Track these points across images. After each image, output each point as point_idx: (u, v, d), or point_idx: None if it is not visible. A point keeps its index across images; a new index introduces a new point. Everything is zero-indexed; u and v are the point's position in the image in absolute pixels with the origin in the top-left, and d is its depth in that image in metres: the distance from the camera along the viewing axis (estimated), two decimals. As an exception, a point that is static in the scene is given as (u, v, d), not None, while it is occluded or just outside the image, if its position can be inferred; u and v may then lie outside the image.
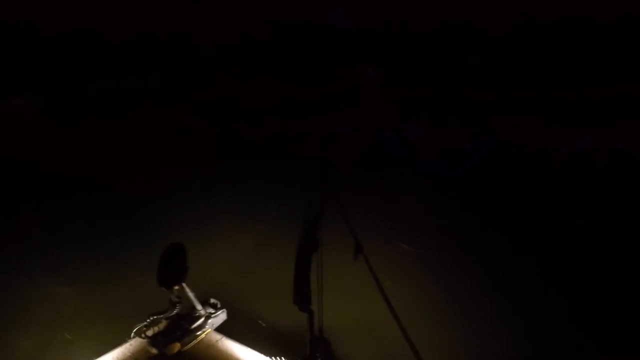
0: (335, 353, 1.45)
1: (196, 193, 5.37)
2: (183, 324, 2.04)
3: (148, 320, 1.96)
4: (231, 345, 2.11)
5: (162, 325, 2.01)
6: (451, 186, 5.75)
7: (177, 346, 1.97)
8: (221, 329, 2.17)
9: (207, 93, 8.99)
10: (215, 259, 4.07)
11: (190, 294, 2.01)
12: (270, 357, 2.02)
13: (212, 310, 2.15)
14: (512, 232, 4.68)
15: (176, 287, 1.95)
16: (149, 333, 1.96)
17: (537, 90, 9.38)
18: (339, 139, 7.03)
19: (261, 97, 8.73)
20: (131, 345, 2.00)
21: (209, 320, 2.13)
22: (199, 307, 2.08)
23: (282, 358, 2.00)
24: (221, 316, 2.20)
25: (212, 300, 2.20)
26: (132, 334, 1.96)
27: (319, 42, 10.75)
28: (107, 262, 3.76)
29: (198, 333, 2.08)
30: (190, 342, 2.04)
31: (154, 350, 1.92)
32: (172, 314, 2.01)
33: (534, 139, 7.41)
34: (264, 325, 3.24)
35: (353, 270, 1.51)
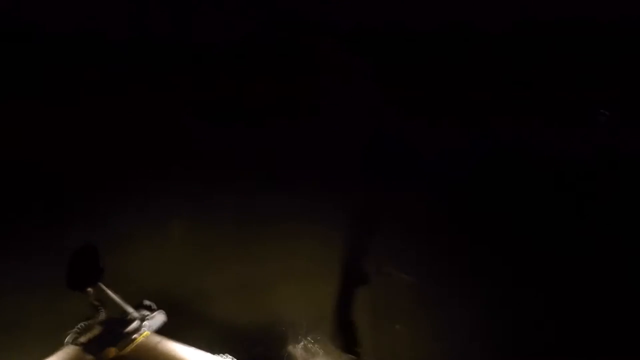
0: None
1: (139, 196, 5.30)
2: (116, 328, 2.04)
3: (78, 327, 1.93)
4: (173, 347, 2.08)
5: (96, 331, 1.97)
6: (451, 185, 5.77)
7: (112, 351, 1.94)
8: (164, 332, 2.12)
9: (207, 93, 8.99)
10: (160, 262, 4.05)
11: (114, 296, 1.97)
12: (215, 354, 2.00)
13: (146, 312, 2.10)
14: (512, 232, 4.68)
15: (90, 290, 1.89)
16: (83, 340, 1.92)
17: (537, 90, 9.37)
18: (337, 137, 7.04)
19: (261, 97, 8.73)
20: (67, 353, 1.96)
21: (145, 323, 2.09)
22: (129, 309, 2.04)
23: (227, 355, 1.98)
24: (158, 317, 2.15)
25: (146, 302, 2.16)
26: (65, 341, 1.92)
27: (319, 41, 10.74)
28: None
29: (134, 336, 2.04)
30: (127, 345, 1.99)
31: (90, 357, 1.89)
32: (100, 318, 1.97)
33: (534, 139, 7.42)
34: (210, 325, 3.23)
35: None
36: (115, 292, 1.94)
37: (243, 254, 4.20)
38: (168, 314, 2.13)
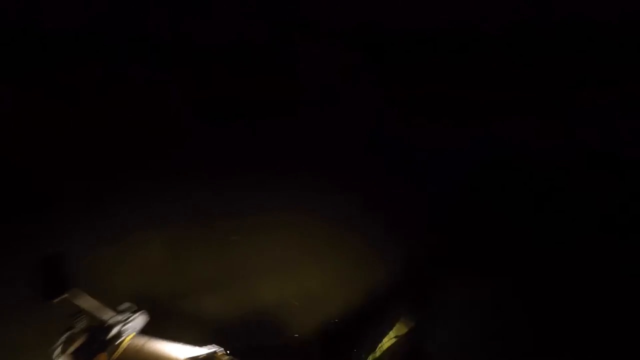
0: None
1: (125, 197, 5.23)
2: (101, 333, 2.03)
3: (63, 338, 1.91)
4: (159, 345, 2.11)
5: (82, 339, 1.96)
6: (450, 186, 5.77)
7: (103, 357, 1.92)
8: (149, 332, 2.11)
9: (207, 93, 9.00)
10: (143, 261, 4.02)
11: (93, 301, 1.94)
12: (202, 346, 2.03)
13: (128, 314, 2.09)
14: (513, 233, 4.67)
15: (63, 297, 1.88)
16: (70, 350, 1.90)
17: (537, 90, 9.38)
18: (336, 136, 7.06)
19: (261, 97, 8.75)
20: None
21: (128, 325, 2.10)
22: (110, 313, 2.02)
23: (214, 345, 2.00)
24: (140, 318, 2.14)
25: (126, 304, 2.15)
26: (55, 355, 1.91)
27: (319, 41, 10.75)
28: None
29: (120, 340, 2.03)
30: (115, 350, 2.00)
31: None
32: (83, 326, 1.95)
33: (534, 139, 7.43)
34: (194, 318, 3.22)
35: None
36: (94, 296, 1.91)
37: (227, 249, 4.18)
38: (151, 314, 2.11)
